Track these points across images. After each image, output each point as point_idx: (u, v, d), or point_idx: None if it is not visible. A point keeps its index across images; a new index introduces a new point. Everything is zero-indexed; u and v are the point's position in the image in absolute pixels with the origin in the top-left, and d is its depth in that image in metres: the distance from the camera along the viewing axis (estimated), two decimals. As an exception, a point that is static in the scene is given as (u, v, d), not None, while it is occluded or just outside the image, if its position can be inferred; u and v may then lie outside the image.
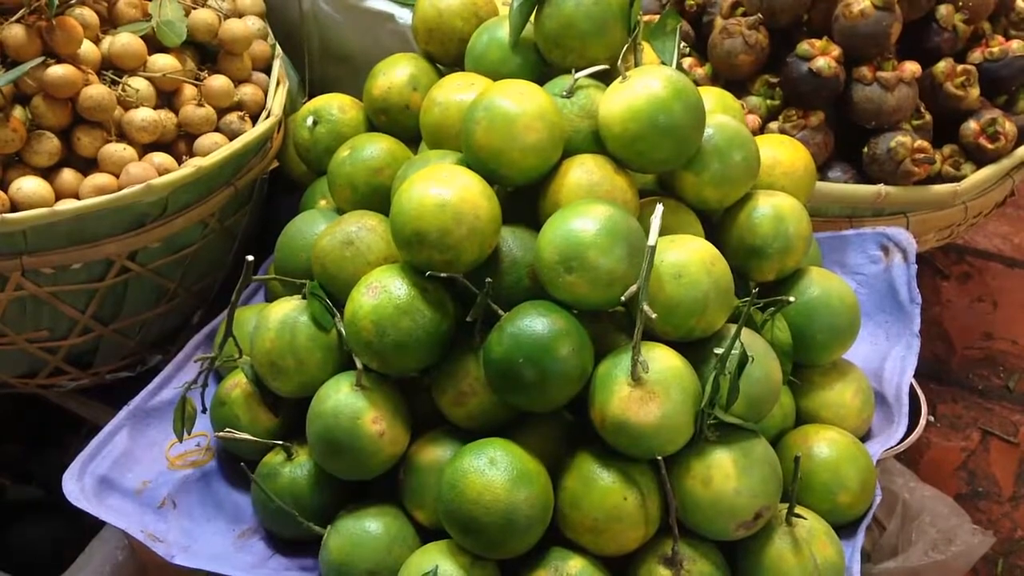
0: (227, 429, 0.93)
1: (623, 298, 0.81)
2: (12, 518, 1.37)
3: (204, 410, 0.99)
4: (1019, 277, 1.94)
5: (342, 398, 0.89)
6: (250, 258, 0.87)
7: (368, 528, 0.88)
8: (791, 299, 0.92)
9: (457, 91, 0.98)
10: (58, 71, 0.98)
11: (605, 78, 0.96)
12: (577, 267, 0.82)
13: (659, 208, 0.81)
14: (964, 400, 1.72)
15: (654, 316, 0.79)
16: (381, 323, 0.86)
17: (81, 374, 1.14)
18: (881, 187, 1.23)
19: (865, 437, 1.02)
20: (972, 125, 1.27)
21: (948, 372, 1.75)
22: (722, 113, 1.00)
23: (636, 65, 0.96)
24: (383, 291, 0.87)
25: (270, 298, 1.09)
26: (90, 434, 1.44)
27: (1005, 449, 1.66)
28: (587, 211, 0.84)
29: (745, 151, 0.95)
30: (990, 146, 1.27)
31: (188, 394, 0.96)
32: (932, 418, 1.72)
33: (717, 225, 1.00)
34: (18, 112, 0.99)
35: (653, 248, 0.79)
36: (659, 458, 0.81)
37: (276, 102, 1.15)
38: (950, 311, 1.88)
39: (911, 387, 1.17)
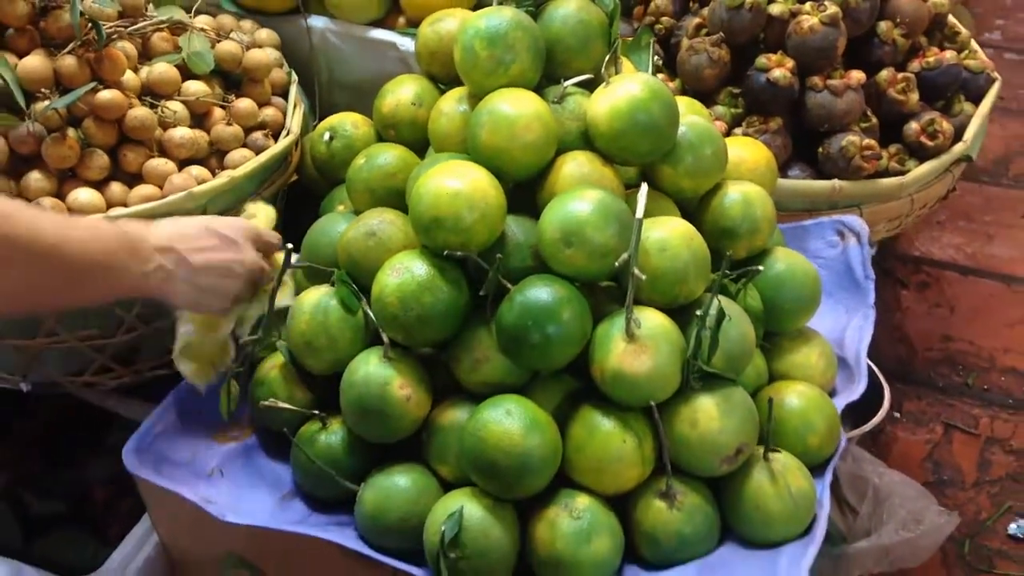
0: (271, 399, 1.04)
1: (616, 264, 0.94)
2: (37, 532, 1.46)
3: (245, 393, 1.10)
4: (973, 284, 2.07)
5: (372, 368, 1.01)
6: (290, 245, 1.00)
7: (398, 482, 1.00)
8: (760, 268, 1.06)
9: (460, 103, 1.12)
10: (107, 95, 1.12)
11: (590, 87, 1.10)
12: (576, 242, 0.96)
13: (644, 186, 0.94)
14: (927, 397, 1.83)
15: (644, 278, 0.93)
16: (405, 299, 0.98)
17: (124, 371, 1.25)
18: (835, 182, 1.37)
19: (831, 395, 1.15)
20: (913, 125, 1.43)
21: (911, 372, 1.86)
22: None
23: (617, 73, 1.10)
24: (406, 271, 0.99)
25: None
26: (115, 447, 1.53)
27: (967, 440, 1.77)
28: (582, 195, 0.97)
29: (714, 146, 1.10)
30: (930, 143, 1.42)
31: (232, 377, 1.08)
32: (898, 414, 1.83)
33: (693, 212, 1.13)
34: (71, 132, 1.12)
35: (640, 221, 0.93)
36: (652, 404, 0.94)
37: (295, 121, 1.28)
38: (911, 317, 2.00)
39: (877, 377, 1.29)
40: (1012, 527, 1.62)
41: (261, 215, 1.15)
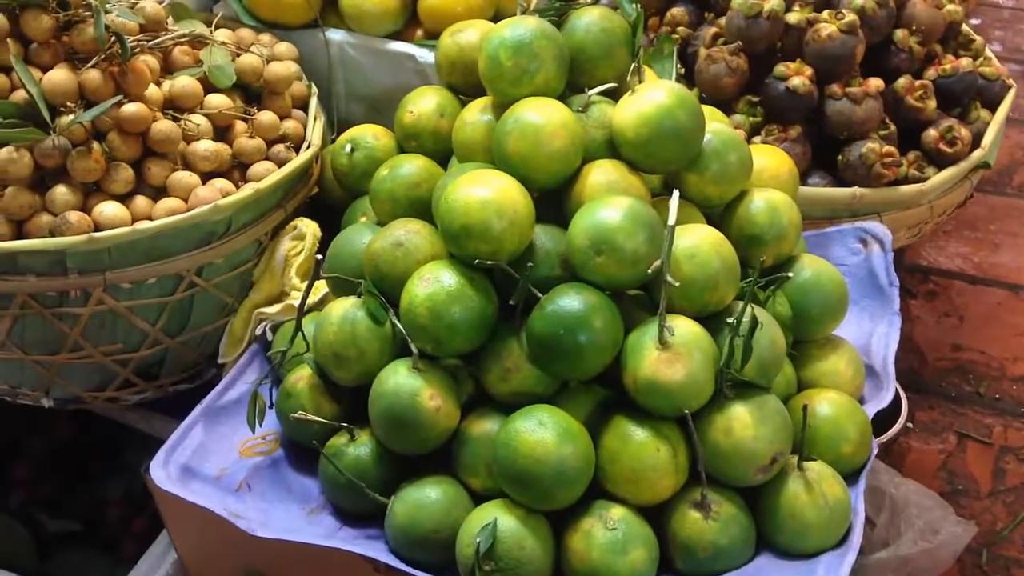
0: (300, 412, 1.04)
1: (649, 271, 0.94)
2: (53, 551, 1.45)
3: (271, 405, 1.10)
4: (981, 292, 2.07)
5: (401, 379, 1.00)
6: (320, 256, 0.99)
7: (429, 494, 0.99)
8: (789, 275, 1.05)
9: (484, 112, 1.12)
10: (131, 109, 1.11)
11: (613, 96, 1.10)
12: (606, 250, 0.95)
13: (676, 193, 0.94)
14: (939, 407, 1.81)
15: (677, 284, 0.92)
16: (435, 309, 0.98)
17: (147, 386, 1.24)
18: (856, 189, 1.37)
19: (860, 403, 1.14)
20: (932, 133, 1.43)
21: (923, 382, 1.85)
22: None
23: (640, 82, 1.10)
24: (435, 281, 0.99)
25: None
26: (129, 465, 1.53)
27: (981, 449, 1.76)
28: (612, 202, 0.97)
29: (739, 152, 1.09)
30: (949, 150, 1.42)
31: (258, 389, 1.07)
32: (911, 425, 1.83)
33: (718, 220, 1.13)
34: (96, 146, 1.11)
35: (673, 228, 0.92)
36: (686, 413, 0.94)
37: (315, 133, 1.28)
38: (920, 327, 2.00)
39: (895, 390, 1.29)
40: (1029, 536, 1.61)
41: (309, 230, 1.19)
